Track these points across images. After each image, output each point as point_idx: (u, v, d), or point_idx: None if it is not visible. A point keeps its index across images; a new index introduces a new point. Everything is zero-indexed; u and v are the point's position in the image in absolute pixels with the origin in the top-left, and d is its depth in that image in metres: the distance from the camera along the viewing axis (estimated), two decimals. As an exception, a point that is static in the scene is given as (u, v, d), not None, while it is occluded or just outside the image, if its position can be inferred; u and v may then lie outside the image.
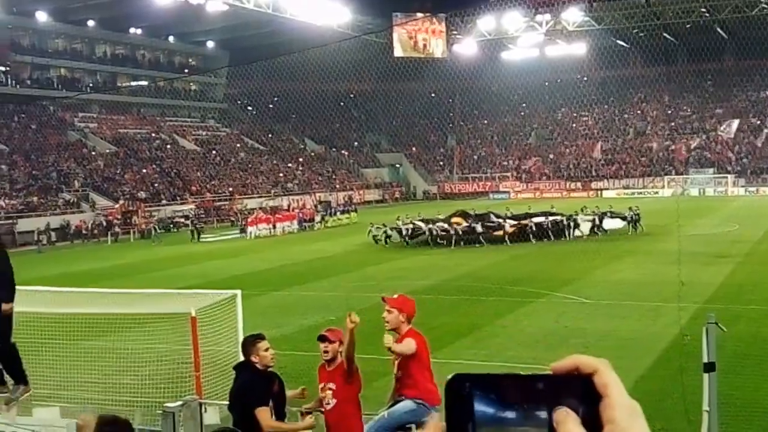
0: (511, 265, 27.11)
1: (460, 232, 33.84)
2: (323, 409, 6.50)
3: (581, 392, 0.75)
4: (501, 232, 33.92)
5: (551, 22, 74.99)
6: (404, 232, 35.04)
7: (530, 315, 18.34)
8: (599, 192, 68.70)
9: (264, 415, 6.07)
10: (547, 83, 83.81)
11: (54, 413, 8.09)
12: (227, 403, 6.81)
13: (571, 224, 34.51)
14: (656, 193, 66.65)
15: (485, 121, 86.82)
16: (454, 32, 79.07)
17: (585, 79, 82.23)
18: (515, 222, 34.61)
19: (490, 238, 33.65)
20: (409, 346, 6.18)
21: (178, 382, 9.90)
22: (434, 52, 77.83)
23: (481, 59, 79.22)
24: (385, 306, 6.38)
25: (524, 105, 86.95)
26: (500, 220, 34.92)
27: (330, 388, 6.36)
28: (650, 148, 75.32)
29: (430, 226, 34.89)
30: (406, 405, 6.24)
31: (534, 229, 33.92)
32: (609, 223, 35.49)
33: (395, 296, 6.56)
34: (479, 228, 33.89)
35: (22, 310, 7.48)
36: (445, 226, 34.63)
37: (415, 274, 25.58)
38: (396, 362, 6.35)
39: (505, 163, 79.25)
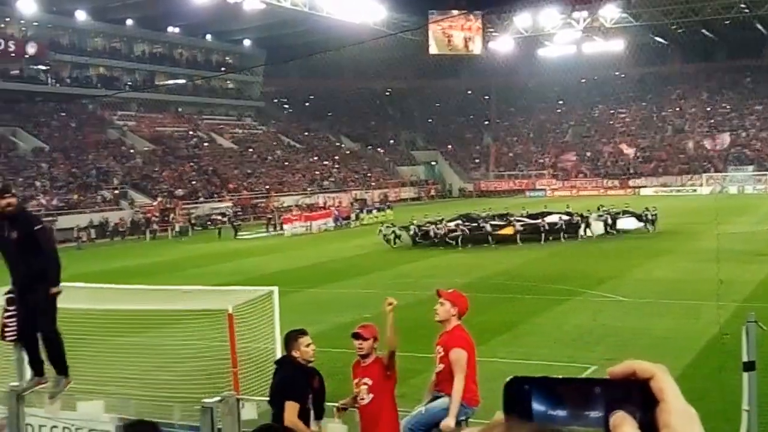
0: (547, 263, 26.92)
1: (468, 232, 33.32)
2: (358, 405, 6.53)
3: (638, 397, 0.76)
4: (509, 231, 33.37)
5: (588, 18, 74.22)
6: (412, 233, 34.55)
7: (567, 313, 18.20)
8: (636, 190, 67.82)
9: (290, 409, 6.12)
10: (584, 80, 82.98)
11: (98, 408, 8.22)
12: (264, 398, 6.88)
13: (583, 224, 34.02)
14: (694, 191, 65.60)
15: (521, 119, 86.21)
16: (491, 29, 78.68)
17: (622, 76, 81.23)
18: (526, 221, 34.19)
19: (499, 238, 33.08)
20: (460, 365, 6.15)
21: (216, 378, 10.03)
22: (470, 49, 77.56)
23: (517, 56, 78.75)
24: (438, 299, 6.41)
25: (561, 102, 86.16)
26: (511, 219, 34.57)
27: (365, 384, 6.38)
28: (688, 146, 74.13)
29: (438, 226, 34.34)
30: (444, 402, 6.23)
31: (547, 228, 33.42)
32: (624, 223, 34.88)
33: (449, 290, 6.60)
34: (488, 227, 33.38)
35: (62, 306, 7.60)
36: (452, 225, 34.16)
37: (451, 271, 25.53)
38: (439, 357, 6.35)
39: (542, 160, 78.61)
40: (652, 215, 35.05)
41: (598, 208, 35.93)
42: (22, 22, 62.80)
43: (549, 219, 34.24)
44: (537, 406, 0.76)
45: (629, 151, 74.45)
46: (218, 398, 6.97)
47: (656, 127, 78.69)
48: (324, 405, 6.78)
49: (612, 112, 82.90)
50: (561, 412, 0.76)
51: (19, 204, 7.50)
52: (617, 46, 75.99)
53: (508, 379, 0.78)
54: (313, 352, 6.46)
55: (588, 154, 77.57)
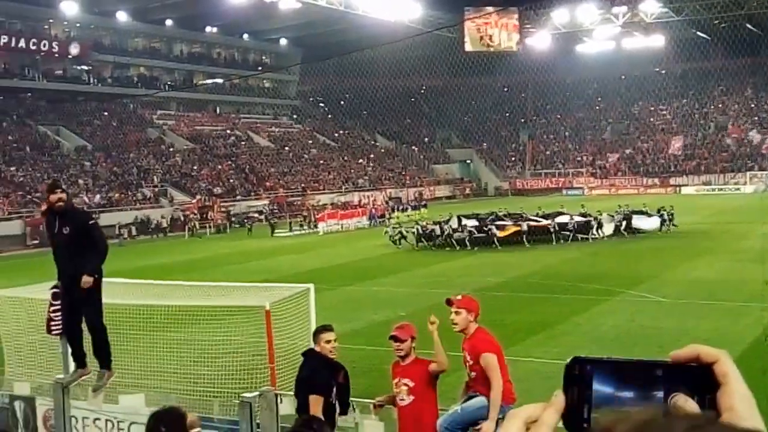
0: (583, 263, 26.67)
1: (473, 232, 32.50)
2: (396, 404, 6.53)
3: (700, 380, 0.77)
4: (512, 231, 32.61)
5: (628, 13, 73.24)
6: (415, 234, 33.97)
7: (604, 313, 18.01)
8: (678, 188, 66.80)
9: (315, 403, 6.17)
10: (623, 76, 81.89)
11: (139, 401, 8.39)
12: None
13: (595, 224, 33.28)
14: (738, 189, 64.33)
15: (558, 116, 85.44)
16: (527, 25, 78.09)
17: (663, 72, 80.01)
18: (538, 222, 33.49)
19: (505, 239, 32.26)
20: (493, 369, 6.10)
21: (254, 373, 10.15)
22: (506, 46, 77.07)
23: (554, 53, 78.04)
24: (451, 308, 6.30)
25: (599, 99, 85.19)
26: (517, 219, 33.81)
27: (406, 384, 6.35)
28: (731, 143, 72.74)
29: (443, 227, 33.55)
30: (480, 401, 6.21)
31: (557, 228, 32.68)
32: (639, 223, 34.06)
33: (458, 297, 6.45)
34: (494, 229, 32.52)
35: (105, 301, 7.76)
36: (456, 226, 33.36)
37: (485, 271, 25.44)
38: (469, 365, 6.28)
39: (580, 158, 77.79)
40: (668, 215, 34.28)
41: (619, 209, 35.23)
42: (66, 23, 64.12)
43: (559, 219, 33.55)
44: (597, 386, 0.77)
45: (678, 146, 73.11)
46: (257, 393, 7.07)
47: (698, 124, 77.36)
48: (349, 400, 6.80)
49: (652, 109, 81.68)
50: (621, 393, 0.76)
51: (68, 199, 7.67)
52: (658, 41, 74.83)
53: (568, 359, 0.79)
54: (332, 348, 6.47)
55: (627, 151, 76.57)
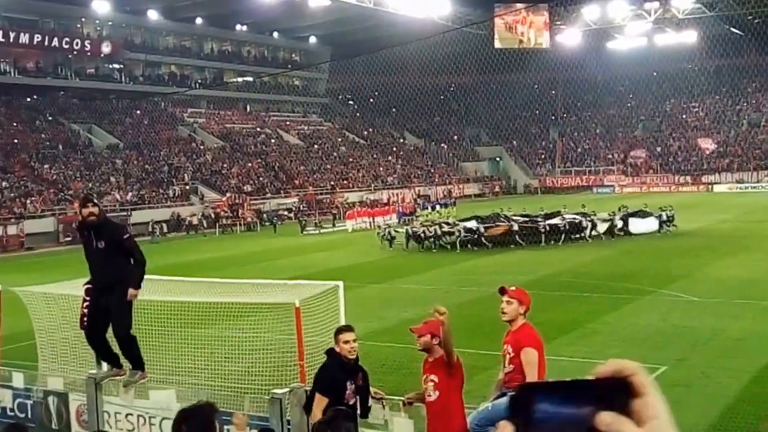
0: (615, 261, 26.42)
1: (464, 233, 31.94)
2: (425, 401, 6.54)
3: (622, 393, 0.83)
4: (500, 231, 32.09)
5: (660, 9, 72.30)
6: (405, 235, 33.52)
7: (636, 312, 17.81)
8: (710, 186, 65.86)
9: (318, 403, 6.19)
10: (655, 73, 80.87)
11: (170, 396, 8.46)
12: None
13: (589, 225, 32.57)
14: (772, 187, 63.24)
15: (589, 113, 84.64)
16: (558, 22, 77.42)
17: (696, 68, 78.89)
18: (527, 223, 32.97)
19: (499, 240, 31.78)
20: (532, 365, 6.06)
21: (283, 370, 10.18)
22: (536, 43, 76.50)
23: (585, 49, 77.27)
24: (503, 297, 6.30)
25: (630, 96, 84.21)
26: (505, 219, 33.32)
27: (432, 380, 6.37)
28: (765, 140, 71.52)
29: (431, 228, 32.93)
30: (511, 399, 6.17)
31: (548, 229, 32.02)
32: (639, 224, 33.32)
33: (512, 288, 6.46)
34: (482, 229, 31.96)
35: (138, 298, 7.83)
36: (449, 228, 32.77)
37: (516, 268, 25.30)
38: (509, 357, 6.25)
39: (610, 156, 77.00)
40: (668, 216, 33.51)
41: (620, 209, 34.68)
42: (97, 22, 64.94)
43: (551, 220, 32.86)
44: (540, 409, 0.85)
45: (708, 146, 72.09)
46: (287, 389, 7.11)
47: (731, 121, 76.17)
48: (368, 403, 6.78)
49: (684, 106, 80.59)
50: (560, 413, 0.83)
51: (101, 213, 7.74)
52: (690, 37, 73.81)
53: (513, 391, 0.88)
54: (351, 349, 6.46)
55: (658, 149, 75.64)
